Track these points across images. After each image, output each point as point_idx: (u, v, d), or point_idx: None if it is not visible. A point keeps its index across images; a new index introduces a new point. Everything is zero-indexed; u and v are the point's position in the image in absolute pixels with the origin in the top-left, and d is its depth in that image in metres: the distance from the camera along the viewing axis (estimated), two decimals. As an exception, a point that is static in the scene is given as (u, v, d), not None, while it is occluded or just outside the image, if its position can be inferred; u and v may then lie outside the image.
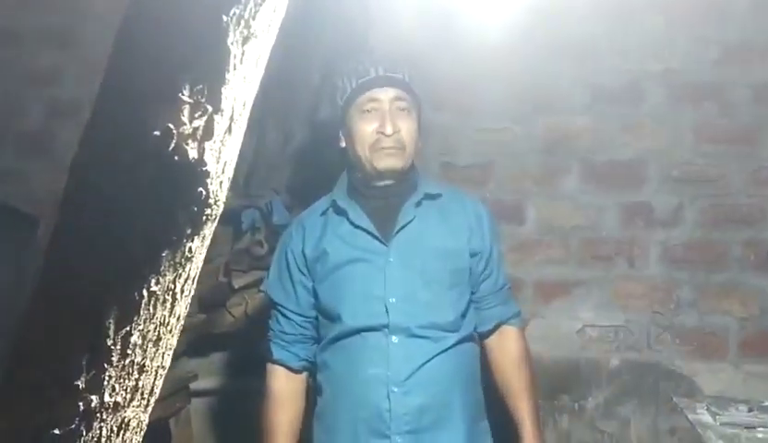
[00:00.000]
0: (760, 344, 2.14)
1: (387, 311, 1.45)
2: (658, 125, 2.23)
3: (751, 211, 2.12)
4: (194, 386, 2.42)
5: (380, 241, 1.48)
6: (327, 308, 1.52)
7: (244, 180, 2.34)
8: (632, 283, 2.25)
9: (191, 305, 2.28)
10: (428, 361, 1.44)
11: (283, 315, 1.58)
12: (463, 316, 1.51)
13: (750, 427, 0.94)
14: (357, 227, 1.51)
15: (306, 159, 2.39)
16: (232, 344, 2.48)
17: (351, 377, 1.47)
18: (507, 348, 1.60)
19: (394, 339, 1.44)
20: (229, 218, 2.31)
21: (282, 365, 1.58)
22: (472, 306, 1.56)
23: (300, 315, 1.57)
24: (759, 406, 1.00)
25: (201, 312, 2.29)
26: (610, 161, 2.26)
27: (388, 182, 1.52)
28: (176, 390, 2.21)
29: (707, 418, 0.97)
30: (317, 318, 1.57)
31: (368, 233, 1.50)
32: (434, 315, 1.46)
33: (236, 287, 2.24)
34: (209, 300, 2.26)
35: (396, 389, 1.42)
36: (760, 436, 0.91)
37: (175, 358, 2.36)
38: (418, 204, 1.52)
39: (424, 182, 1.57)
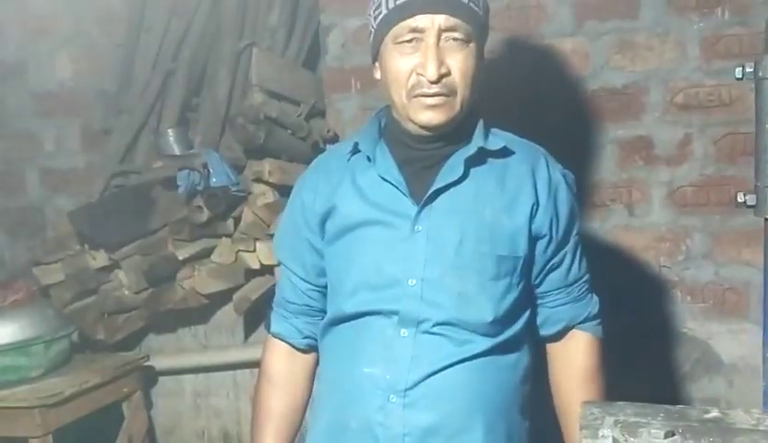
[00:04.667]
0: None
1: (400, 296, 1.13)
2: (657, 40, 1.85)
3: (774, 140, 1.73)
4: (160, 365, 2.27)
5: (410, 201, 1.15)
6: (331, 279, 1.22)
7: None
8: (633, 234, 1.92)
9: (137, 279, 2.13)
10: (445, 368, 1.11)
11: (289, 279, 1.29)
12: (508, 317, 1.16)
13: (659, 465, 0.64)
14: (383, 180, 1.17)
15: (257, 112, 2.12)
16: (197, 320, 2.31)
17: (344, 373, 1.18)
18: (572, 359, 1.25)
19: (403, 332, 1.12)
20: (173, 183, 2.09)
21: (281, 339, 1.31)
22: (528, 305, 1.22)
23: (306, 281, 1.27)
24: (687, 423, 0.70)
25: (149, 287, 2.10)
26: (601, 90, 1.90)
27: (428, 134, 1.17)
28: (125, 373, 2.04)
29: (605, 447, 0.68)
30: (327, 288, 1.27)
31: (396, 188, 1.16)
32: (465, 310, 1.12)
33: (180, 258, 2.03)
34: (155, 274, 2.07)
35: (395, 399, 1.11)
36: (666, 481, 0.62)
37: (130, 337, 2.24)
38: (471, 161, 1.16)
39: (482, 132, 1.18)
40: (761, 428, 0.72)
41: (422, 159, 1.18)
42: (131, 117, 2.31)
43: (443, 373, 1.11)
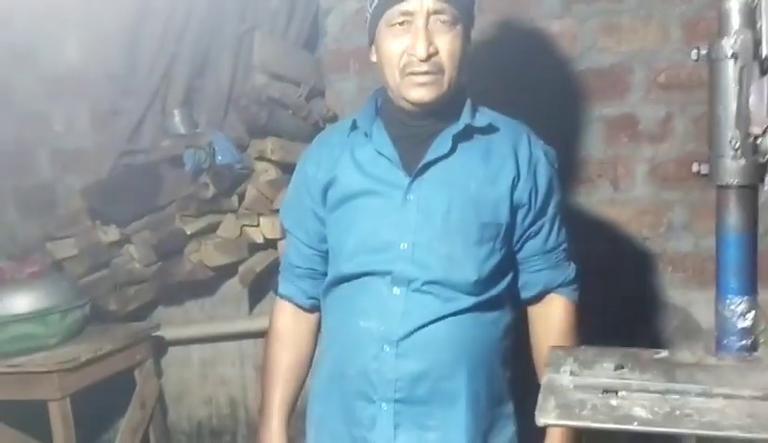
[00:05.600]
0: (765, 267, 1.89)
1: (393, 258, 1.26)
2: (641, 22, 1.96)
3: (750, 117, 1.84)
4: (169, 335, 2.40)
5: (403, 173, 1.28)
6: (332, 243, 1.36)
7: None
8: (618, 207, 2.04)
9: (147, 253, 2.25)
10: (431, 322, 1.25)
11: (294, 245, 1.43)
12: (489, 278, 1.29)
13: (608, 391, 0.77)
14: (379, 154, 1.30)
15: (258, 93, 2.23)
16: (204, 292, 2.44)
17: (343, 327, 1.33)
18: (549, 320, 1.38)
19: (396, 290, 1.26)
20: (180, 161, 2.21)
21: (288, 300, 1.45)
22: (510, 269, 1.34)
23: (310, 246, 1.41)
24: (637, 360, 0.82)
25: (157, 260, 2.22)
26: (588, 70, 2.01)
27: (419, 112, 1.30)
28: (137, 342, 2.17)
29: (563, 379, 0.80)
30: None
31: (391, 161, 1.29)
32: (451, 271, 1.25)
33: (189, 233, 2.15)
34: (164, 248, 2.19)
35: (389, 349, 1.25)
36: (614, 402, 0.75)
37: (141, 308, 2.36)
38: (458, 137, 1.28)
39: (470, 110, 1.31)
40: (700, 364, 0.84)
41: (414, 135, 1.31)
42: (138, 98, 2.42)
43: (431, 326, 1.25)
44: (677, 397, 0.75)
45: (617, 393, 0.76)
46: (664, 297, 2.04)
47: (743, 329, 1.02)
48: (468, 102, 1.32)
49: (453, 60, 1.25)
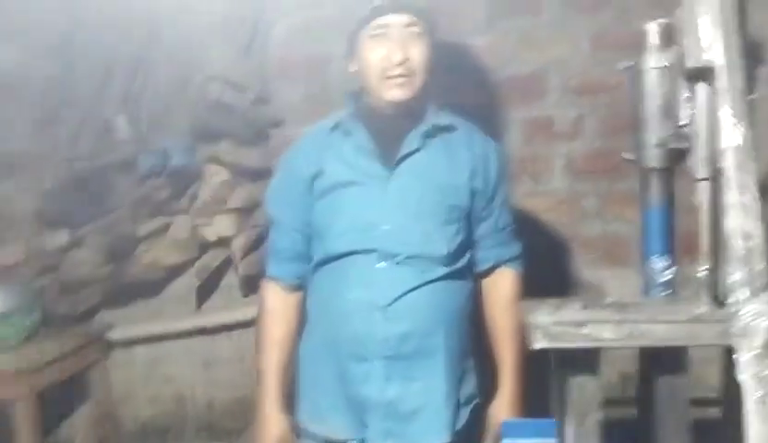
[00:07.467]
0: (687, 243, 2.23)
1: (378, 237, 1.49)
2: (556, 35, 2.27)
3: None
4: (114, 336, 2.48)
5: (381, 166, 1.51)
6: (319, 228, 1.56)
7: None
8: (538, 199, 2.33)
9: (99, 255, 2.34)
10: (413, 289, 1.49)
11: (281, 231, 1.63)
12: (457, 252, 1.54)
13: (579, 324, 1.02)
14: (360, 149, 1.53)
15: (206, 98, 2.38)
16: (149, 292, 2.53)
17: (335, 298, 1.53)
18: (499, 289, 1.63)
19: (381, 264, 1.49)
20: (130, 165, 2.32)
21: (277, 281, 1.64)
22: (470, 245, 1.59)
23: (297, 231, 1.60)
24: (595, 303, 1.09)
25: (109, 262, 2.32)
26: (510, 78, 2.30)
27: (394, 111, 1.53)
28: (91, 342, 2.26)
29: (543, 318, 1.05)
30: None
31: (371, 156, 1.53)
32: (426, 247, 1.50)
33: (141, 235, 2.27)
34: (115, 250, 2.29)
35: (378, 314, 1.48)
36: (585, 331, 1.00)
37: (90, 310, 2.44)
38: (426, 134, 1.53)
39: (434, 112, 1.57)
40: (641, 304, 1.12)
41: (389, 132, 1.55)
42: (76, 106, 2.49)
43: (412, 293, 1.49)
44: (631, 324, 1.02)
45: (586, 325, 1.01)
46: (578, 275, 2.36)
47: (664, 282, 1.31)
48: (431, 105, 1.56)
49: (422, 65, 1.51)
